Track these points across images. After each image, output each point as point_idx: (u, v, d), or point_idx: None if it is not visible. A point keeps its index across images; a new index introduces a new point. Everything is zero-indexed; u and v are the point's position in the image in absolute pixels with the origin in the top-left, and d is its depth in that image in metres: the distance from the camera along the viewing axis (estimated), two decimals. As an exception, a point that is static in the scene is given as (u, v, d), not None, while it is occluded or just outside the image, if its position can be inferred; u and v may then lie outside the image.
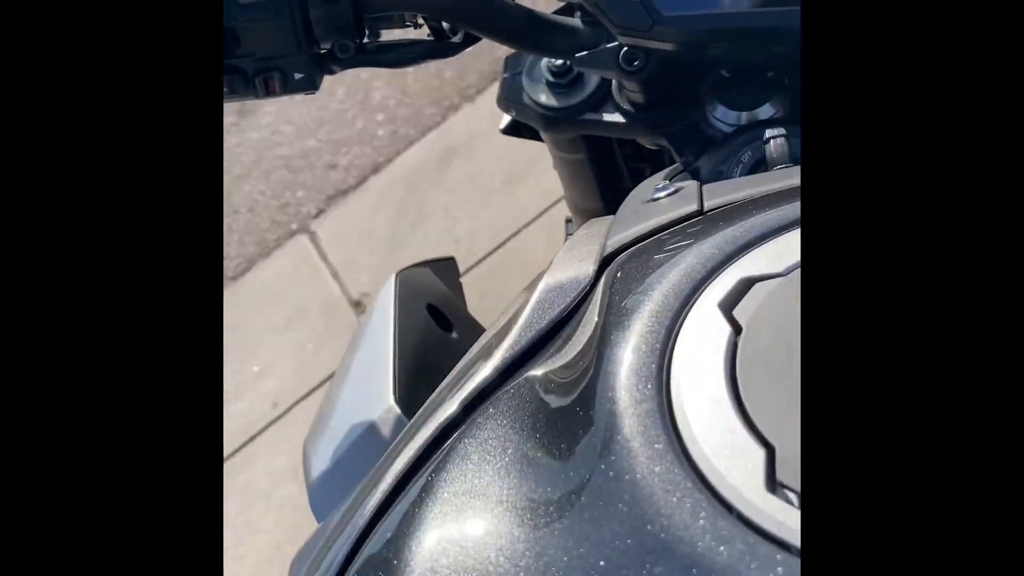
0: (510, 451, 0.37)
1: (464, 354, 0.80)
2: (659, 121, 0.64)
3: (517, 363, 0.41)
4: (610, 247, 0.43)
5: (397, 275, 0.79)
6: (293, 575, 0.61)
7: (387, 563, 0.37)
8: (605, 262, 0.42)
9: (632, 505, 0.30)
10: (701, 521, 0.29)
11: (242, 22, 0.50)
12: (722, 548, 0.28)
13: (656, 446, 0.32)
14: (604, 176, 0.82)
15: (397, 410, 0.63)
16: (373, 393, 0.65)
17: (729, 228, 0.38)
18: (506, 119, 0.82)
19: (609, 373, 0.35)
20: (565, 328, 0.41)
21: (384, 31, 0.58)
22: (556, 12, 0.69)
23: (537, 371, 0.40)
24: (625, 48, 0.56)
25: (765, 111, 0.64)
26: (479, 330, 0.83)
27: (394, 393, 0.64)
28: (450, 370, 0.77)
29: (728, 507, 0.29)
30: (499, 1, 0.56)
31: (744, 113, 0.64)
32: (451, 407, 0.40)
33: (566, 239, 0.99)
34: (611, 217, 0.48)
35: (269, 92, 0.53)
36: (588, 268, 0.42)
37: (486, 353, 0.43)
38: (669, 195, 0.46)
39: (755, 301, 0.34)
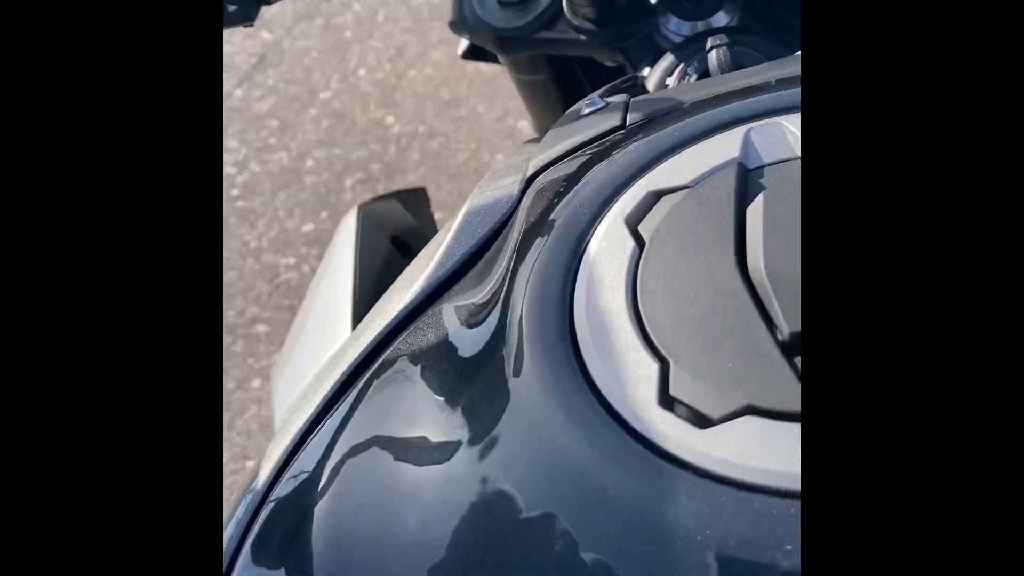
0: (425, 375, 0.37)
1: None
2: (613, 36, 0.62)
3: (440, 288, 0.41)
4: (532, 167, 0.42)
5: (360, 208, 0.79)
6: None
7: (308, 481, 0.38)
8: (529, 182, 0.41)
9: (532, 422, 0.31)
10: (593, 437, 0.29)
11: None
12: (613, 463, 0.28)
13: (556, 364, 0.31)
14: (565, 96, 0.80)
15: None
16: (333, 323, 0.65)
17: (643, 141, 0.37)
18: (463, 43, 0.80)
19: (517, 294, 0.34)
20: (489, 249, 0.41)
21: None
22: None
23: (456, 297, 0.40)
24: None
25: (718, 19, 0.62)
26: None
27: (352, 323, 0.65)
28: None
29: (621, 422, 0.29)
30: None
31: (699, 23, 0.62)
32: (372, 334, 0.40)
33: None
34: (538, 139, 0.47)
35: None
36: (513, 189, 0.41)
37: (412, 278, 0.43)
38: (596, 111, 0.45)
39: (659, 214, 0.34)
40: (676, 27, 0.61)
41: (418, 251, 0.80)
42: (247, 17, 0.53)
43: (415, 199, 0.91)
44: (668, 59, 0.58)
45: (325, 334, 0.65)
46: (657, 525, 0.26)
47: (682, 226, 0.33)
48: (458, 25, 0.70)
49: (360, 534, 0.33)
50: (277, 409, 0.66)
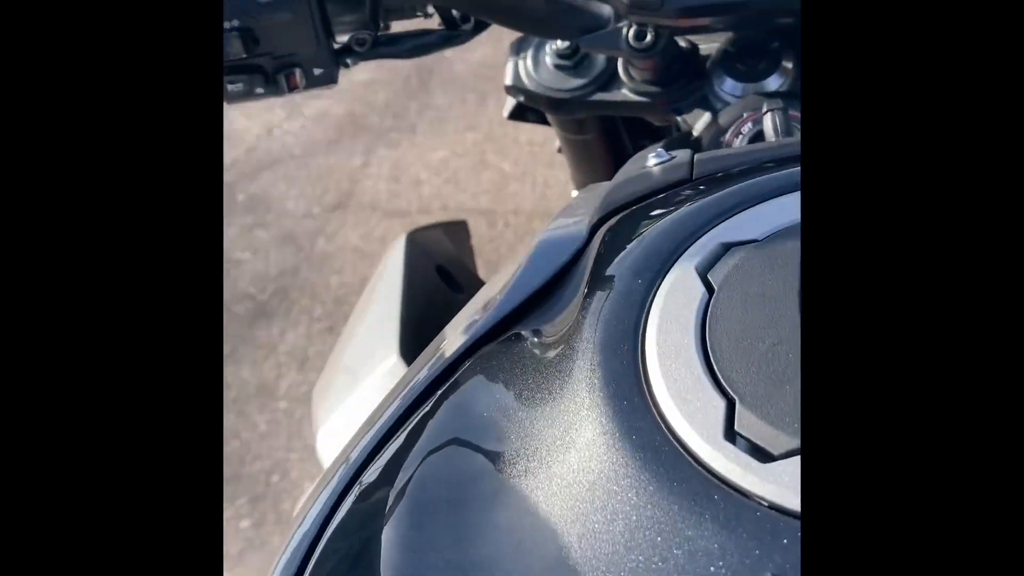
0: (494, 402, 0.39)
1: (470, 313, 0.82)
2: (668, 97, 0.65)
3: (509, 319, 0.43)
4: (602, 210, 0.44)
5: (408, 235, 0.81)
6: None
7: (376, 497, 0.40)
8: (598, 225, 0.44)
9: (602, 451, 0.33)
10: (661, 464, 0.31)
11: (262, 20, 0.50)
12: (679, 488, 0.30)
13: (627, 398, 0.34)
14: (611, 156, 0.83)
15: (401, 364, 0.65)
16: (379, 348, 0.68)
17: (712, 195, 0.40)
18: (510, 104, 0.84)
19: (590, 330, 0.37)
20: (557, 287, 0.43)
21: (396, 22, 0.58)
22: None
23: (527, 328, 0.42)
24: (634, 27, 0.57)
25: (772, 82, 0.65)
26: None
27: (399, 348, 0.67)
28: (455, 328, 0.79)
29: (688, 452, 0.31)
30: None
31: (751, 85, 0.65)
32: (444, 359, 0.43)
33: None
34: (604, 184, 0.50)
35: (291, 88, 0.54)
36: (581, 230, 0.44)
37: (481, 309, 0.45)
38: (662, 163, 0.47)
39: (730, 264, 0.36)
40: (730, 88, 0.64)
41: (461, 281, 0.83)
42: (331, 79, 0.56)
43: (457, 231, 0.94)
44: (722, 118, 0.60)
45: (370, 358, 0.68)
46: (719, 548, 0.29)
47: (750, 276, 0.35)
48: (514, 89, 0.72)
49: (430, 561, 0.35)
50: (318, 430, 0.68)
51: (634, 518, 0.31)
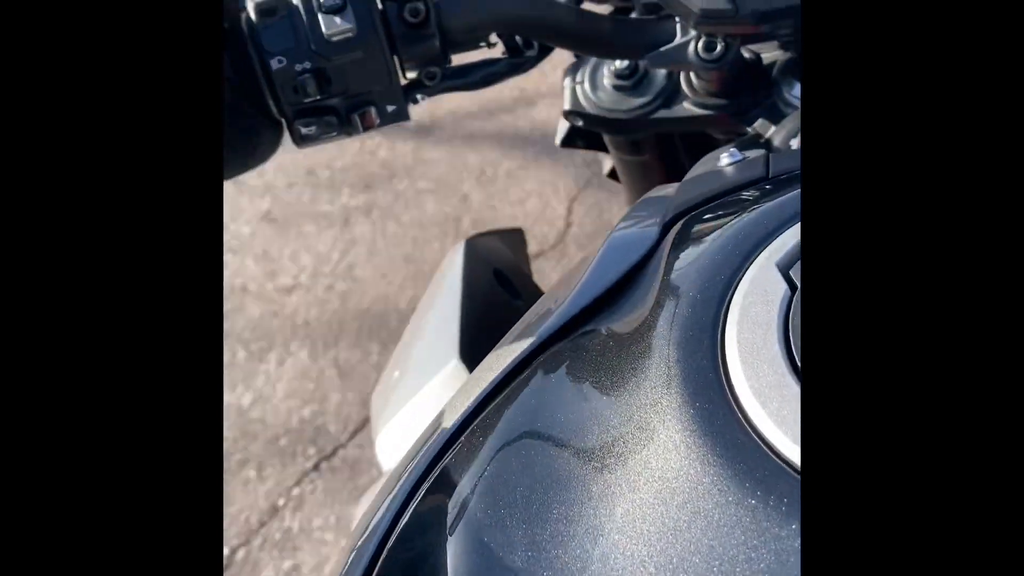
0: (567, 401, 0.39)
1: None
2: (734, 109, 0.64)
3: (579, 318, 0.43)
4: (675, 209, 0.44)
5: (466, 241, 0.81)
6: (356, 519, 0.65)
7: (446, 499, 0.39)
8: (671, 223, 0.43)
9: (684, 452, 0.32)
10: (745, 464, 0.30)
11: (334, 60, 0.50)
12: (762, 488, 0.29)
13: (708, 398, 0.33)
14: (667, 175, 0.82)
15: (462, 366, 0.65)
16: (439, 351, 0.68)
17: (792, 191, 0.39)
18: (562, 132, 0.83)
19: (667, 326, 0.36)
20: (628, 285, 0.43)
21: (458, 54, 0.58)
22: (612, 13, 0.69)
23: (599, 324, 0.41)
24: (702, 38, 0.56)
25: None
26: None
27: (459, 351, 0.67)
28: (516, 331, 0.79)
29: (772, 451, 0.30)
30: (571, 11, 0.57)
31: None
32: (514, 355, 0.42)
33: None
34: (673, 185, 0.49)
35: (366, 127, 0.54)
36: (653, 228, 0.43)
37: (551, 306, 0.45)
38: (736, 162, 0.46)
39: None
40: (800, 92, 0.63)
41: (519, 286, 0.82)
42: (404, 115, 0.56)
43: (514, 239, 0.94)
44: (793, 121, 0.59)
45: (431, 361, 0.68)
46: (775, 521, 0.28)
47: None
48: (573, 114, 0.71)
49: (506, 563, 0.34)
50: (378, 434, 0.68)
51: (717, 517, 0.30)
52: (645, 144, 0.79)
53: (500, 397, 0.42)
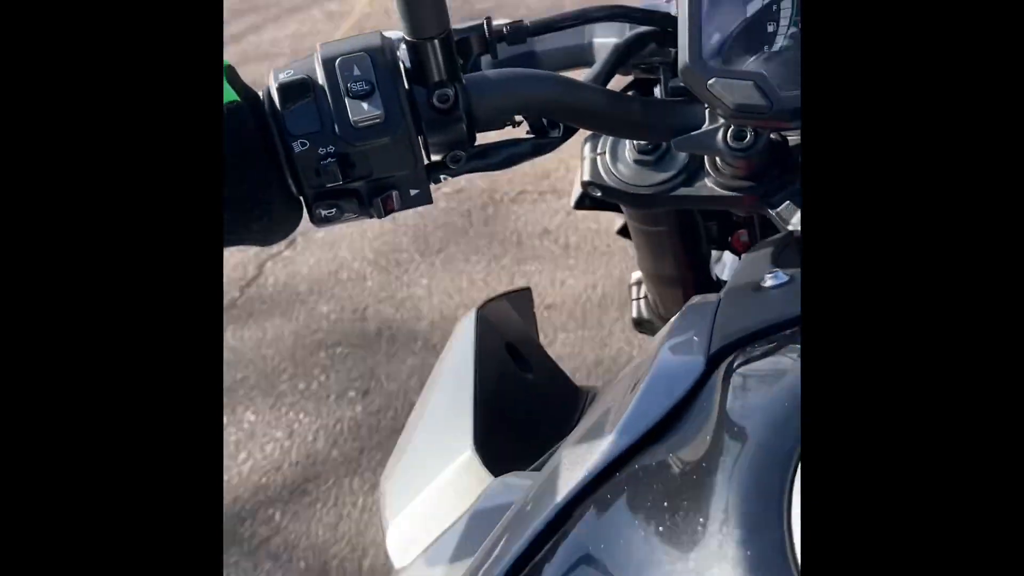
0: (624, 546, 0.37)
1: (541, 396, 0.80)
2: (759, 192, 0.62)
3: (626, 455, 0.41)
4: (719, 342, 0.42)
5: (477, 312, 0.79)
6: None
7: None
8: (716, 357, 0.41)
9: None
10: None
11: (359, 146, 0.48)
12: None
13: (772, 552, 0.31)
14: (685, 247, 0.80)
15: (476, 459, 0.63)
16: (452, 439, 0.65)
17: None
18: (576, 193, 0.81)
19: (727, 490, 0.34)
20: (677, 421, 0.41)
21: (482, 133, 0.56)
22: (627, 88, 0.67)
23: (650, 461, 0.39)
24: (731, 126, 0.54)
25: None
26: (555, 371, 0.83)
27: (473, 440, 0.64)
28: (528, 414, 0.76)
29: None
30: (599, 93, 0.55)
31: None
32: (569, 486, 0.40)
33: (631, 301, 0.98)
34: (713, 298, 0.47)
35: (387, 211, 0.52)
36: (698, 361, 0.41)
37: (598, 435, 0.43)
38: (779, 286, 0.45)
39: None
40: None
41: (529, 358, 0.80)
42: (427, 198, 0.54)
43: (522, 300, 0.92)
44: None
45: (444, 450, 0.65)
46: None
47: None
48: (592, 185, 0.69)
49: None
50: (388, 525, 0.65)
51: None
52: (663, 216, 0.77)
53: (553, 540, 0.40)
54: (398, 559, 0.62)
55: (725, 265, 0.92)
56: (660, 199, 0.66)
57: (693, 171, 0.65)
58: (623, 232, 0.94)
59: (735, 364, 0.40)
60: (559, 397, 0.81)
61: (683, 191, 0.65)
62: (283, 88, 0.48)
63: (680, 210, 0.78)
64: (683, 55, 0.52)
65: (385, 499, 0.67)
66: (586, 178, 0.68)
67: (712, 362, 0.41)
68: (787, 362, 0.38)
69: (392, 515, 0.65)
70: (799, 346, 0.39)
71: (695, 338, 0.43)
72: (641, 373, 0.43)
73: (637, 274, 0.96)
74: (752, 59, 0.51)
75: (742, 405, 0.37)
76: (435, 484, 0.64)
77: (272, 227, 0.53)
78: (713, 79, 0.51)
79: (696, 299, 0.49)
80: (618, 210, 0.87)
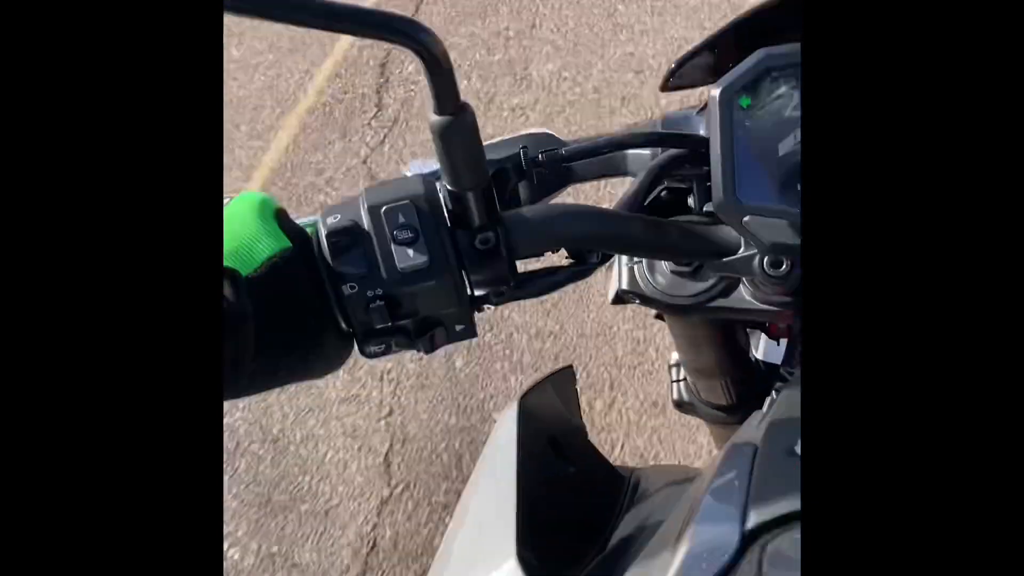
0: None
1: (583, 487, 0.80)
2: (796, 306, 0.62)
3: None
4: (754, 519, 0.42)
5: (519, 403, 0.80)
6: None
7: None
8: (750, 535, 0.41)
9: None
10: None
11: (405, 289, 0.50)
12: None
13: None
14: (725, 339, 0.80)
15: (519, 568, 0.64)
16: (494, 545, 0.66)
17: None
18: (612, 292, 0.82)
19: None
20: None
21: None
22: (663, 195, 0.67)
23: None
24: (768, 255, 0.55)
25: None
26: (596, 457, 0.84)
27: (517, 547, 0.65)
28: (571, 509, 0.77)
29: None
30: (636, 222, 0.56)
31: None
32: None
33: (670, 384, 0.98)
34: (749, 450, 0.47)
35: (434, 347, 0.54)
36: (732, 537, 0.42)
37: None
38: None
39: None
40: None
41: (571, 448, 0.81)
42: (472, 332, 0.55)
43: (564, 380, 0.92)
44: None
45: (487, 558, 0.66)
46: None
47: None
48: (629, 294, 0.70)
49: None
50: None
51: None
52: (701, 320, 0.78)
53: None
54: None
55: (760, 344, 0.92)
56: (698, 309, 0.66)
57: (729, 284, 0.66)
58: (660, 316, 0.95)
59: (768, 549, 0.40)
60: (600, 484, 0.81)
61: (720, 302, 0.66)
62: (331, 234, 0.50)
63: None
64: (717, 192, 0.52)
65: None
66: (624, 287, 0.69)
67: (747, 538, 0.42)
68: None
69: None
70: None
71: (731, 509, 0.43)
72: (679, 535, 0.43)
73: (676, 355, 0.96)
74: (787, 195, 0.51)
75: None
76: (479, 593, 0.65)
77: (328, 362, 0.55)
78: (748, 217, 0.51)
79: (732, 444, 0.49)
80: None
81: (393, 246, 0.50)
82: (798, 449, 0.45)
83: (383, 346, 0.53)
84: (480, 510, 0.71)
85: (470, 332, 0.54)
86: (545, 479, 0.73)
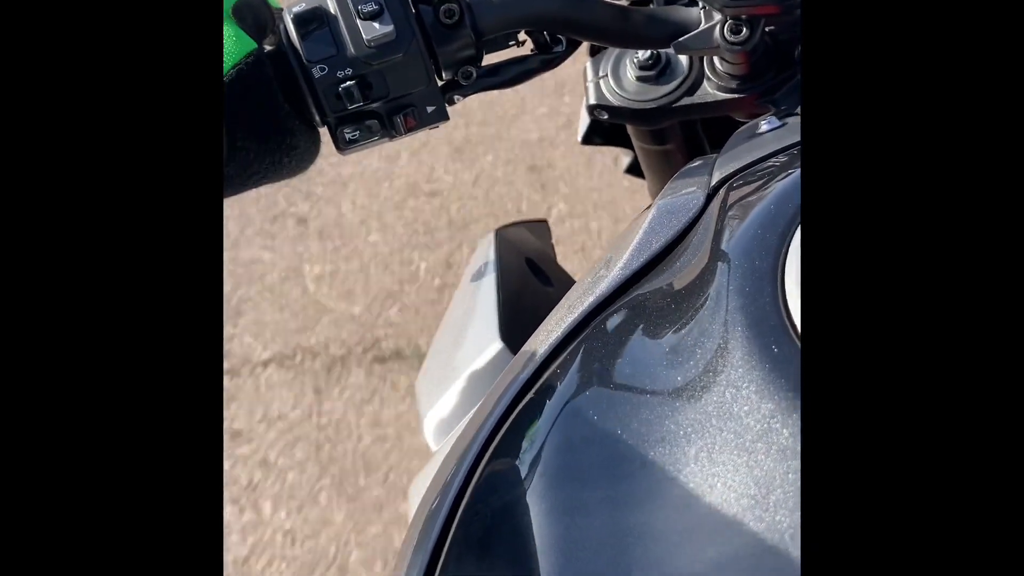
0: (632, 353, 0.40)
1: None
2: (759, 90, 0.66)
3: (630, 282, 0.45)
4: (719, 175, 0.46)
5: (496, 231, 0.83)
6: (412, 497, 0.66)
7: (518, 457, 0.41)
8: (716, 187, 0.45)
9: (754, 388, 0.34)
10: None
11: (373, 65, 0.52)
12: None
13: (773, 337, 0.35)
14: (689, 162, 0.84)
15: (506, 350, 0.67)
16: (480, 335, 0.69)
17: None
18: (583, 127, 0.84)
19: (726, 277, 0.38)
20: (679, 249, 0.45)
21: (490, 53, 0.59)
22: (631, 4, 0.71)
23: (654, 285, 0.43)
24: (728, 21, 0.58)
25: None
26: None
27: (499, 332, 0.68)
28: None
29: None
30: (598, 5, 0.58)
31: None
32: (572, 318, 0.44)
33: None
34: (714, 155, 0.51)
35: (408, 129, 0.56)
36: (699, 194, 0.45)
37: (603, 273, 0.46)
38: (774, 129, 0.48)
39: None
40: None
41: (549, 274, 0.84)
42: (444, 115, 0.57)
43: (540, 230, 0.96)
44: None
45: (473, 345, 0.69)
46: None
47: None
48: (597, 108, 0.72)
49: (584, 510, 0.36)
50: (424, 417, 0.69)
51: (788, 446, 0.32)
52: (669, 133, 0.81)
53: (562, 357, 0.43)
54: (435, 442, 0.66)
55: None
56: (665, 111, 0.69)
57: (694, 81, 0.69)
58: (631, 170, 0.98)
59: (733, 188, 0.44)
60: None
61: (686, 101, 0.68)
62: (297, 19, 0.52)
63: (685, 125, 0.81)
64: None
65: (421, 395, 0.71)
66: (592, 101, 0.72)
67: (711, 194, 0.45)
68: (780, 172, 0.42)
69: (427, 407, 0.69)
70: (794, 159, 0.43)
71: (694, 180, 0.47)
72: (641, 220, 0.47)
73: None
74: None
75: (736, 216, 0.41)
76: (466, 375, 0.68)
77: (299, 161, 0.57)
78: None
79: (695, 160, 0.52)
80: (626, 145, 0.90)
81: (359, 21, 0.52)
82: (760, 129, 0.48)
83: (357, 132, 0.55)
84: (465, 314, 0.75)
85: (441, 114, 0.57)
86: (524, 291, 0.77)
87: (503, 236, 0.82)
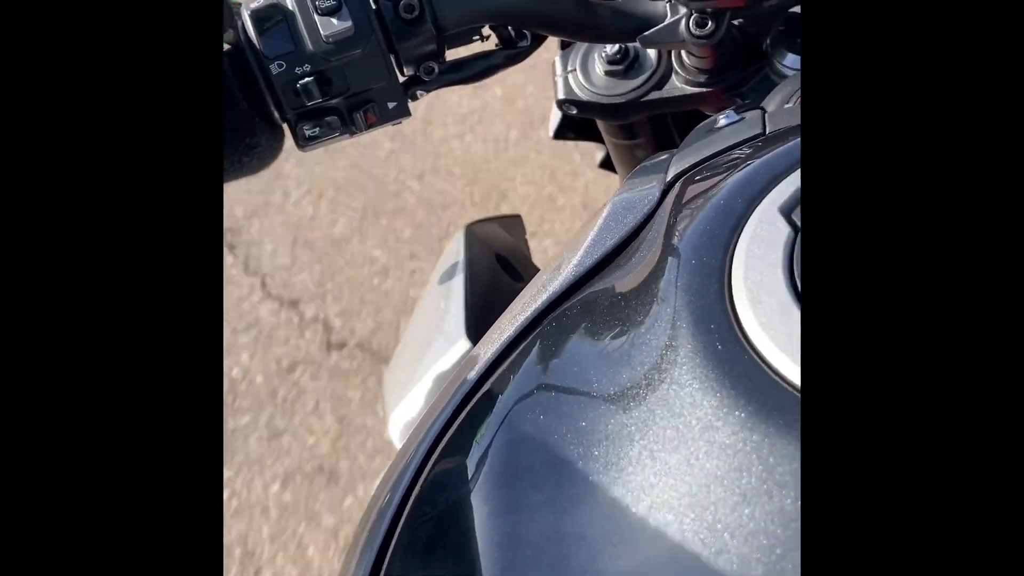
0: (580, 352, 0.40)
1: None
2: (727, 84, 0.65)
3: (585, 278, 0.44)
4: (675, 170, 0.45)
5: (467, 228, 0.83)
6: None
7: (466, 456, 0.40)
8: (671, 183, 0.44)
9: (697, 385, 0.33)
10: (754, 390, 0.32)
11: (332, 61, 0.51)
12: (768, 408, 0.31)
13: (718, 334, 0.34)
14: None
15: (468, 343, 0.66)
16: (446, 331, 0.69)
17: (791, 142, 0.40)
18: (554, 123, 0.83)
19: (675, 273, 0.37)
20: (633, 245, 0.44)
21: (452, 50, 0.58)
22: None
23: (606, 283, 0.43)
24: (694, 15, 0.57)
25: None
26: None
27: (465, 329, 0.68)
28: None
29: (779, 376, 0.32)
30: (562, 0, 0.58)
31: None
32: (524, 317, 0.44)
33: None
34: (673, 151, 0.50)
35: (369, 125, 0.55)
36: (654, 189, 0.44)
37: (555, 271, 0.46)
38: (732, 123, 0.48)
39: None
40: (792, 63, 0.64)
41: (520, 269, 0.83)
42: (405, 111, 0.56)
43: (513, 225, 0.95)
44: (787, 87, 0.61)
45: (439, 342, 0.69)
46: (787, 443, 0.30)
47: None
48: (566, 103, 0.71)
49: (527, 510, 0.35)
50: (390, 413, 0.69)
51: (731, 442, 0.31)
52: (638, 127, 0.80)
53: (512, 356, 0.43)
54: (400, 441, 0.66)
55: None
56: (634, 106, 0.69)
57: (662, 75, 0.69)
58: (604, 165, 0.97)
59: (686, 183, 0.43)
60: None
61: (654, 95, 0.68)
62: (255, 15, 0.51)
63: (654, 120, 0.81)
64: None
65: (387, 393, 0.71)
66: (560, 96, 0.71)
67: (667, 190, 0.45)
68: (732, 168, 0.41)
69: (393, 406, 0.68)
70: (747, 155, 0.42)
71: (651, 176, 0.46)
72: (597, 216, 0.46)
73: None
74: None
75: (688, 213, 0.40)
76: (432, 373, 0.67)
77: (260, 157, 0.56)
78: None
79: (653, 155, 0.52)
80: (598, 140, 0.90)
81: (317, 17, 0.51)
82: (719, 123, 0.48)
83: (317, 128, 0.55)
84: (433, 311, 0.74)
85: (403, 111, 0.56)
86: (493, 286, 0.76)
87: (473, 232, 0.81)
